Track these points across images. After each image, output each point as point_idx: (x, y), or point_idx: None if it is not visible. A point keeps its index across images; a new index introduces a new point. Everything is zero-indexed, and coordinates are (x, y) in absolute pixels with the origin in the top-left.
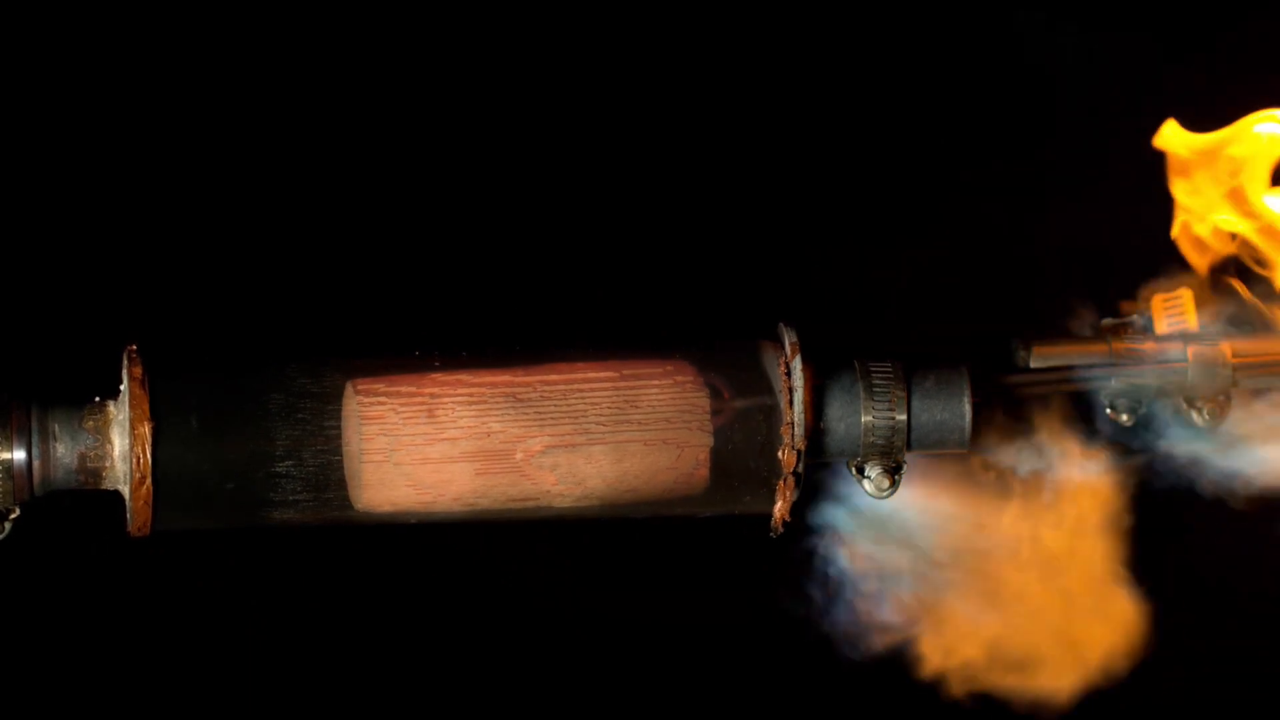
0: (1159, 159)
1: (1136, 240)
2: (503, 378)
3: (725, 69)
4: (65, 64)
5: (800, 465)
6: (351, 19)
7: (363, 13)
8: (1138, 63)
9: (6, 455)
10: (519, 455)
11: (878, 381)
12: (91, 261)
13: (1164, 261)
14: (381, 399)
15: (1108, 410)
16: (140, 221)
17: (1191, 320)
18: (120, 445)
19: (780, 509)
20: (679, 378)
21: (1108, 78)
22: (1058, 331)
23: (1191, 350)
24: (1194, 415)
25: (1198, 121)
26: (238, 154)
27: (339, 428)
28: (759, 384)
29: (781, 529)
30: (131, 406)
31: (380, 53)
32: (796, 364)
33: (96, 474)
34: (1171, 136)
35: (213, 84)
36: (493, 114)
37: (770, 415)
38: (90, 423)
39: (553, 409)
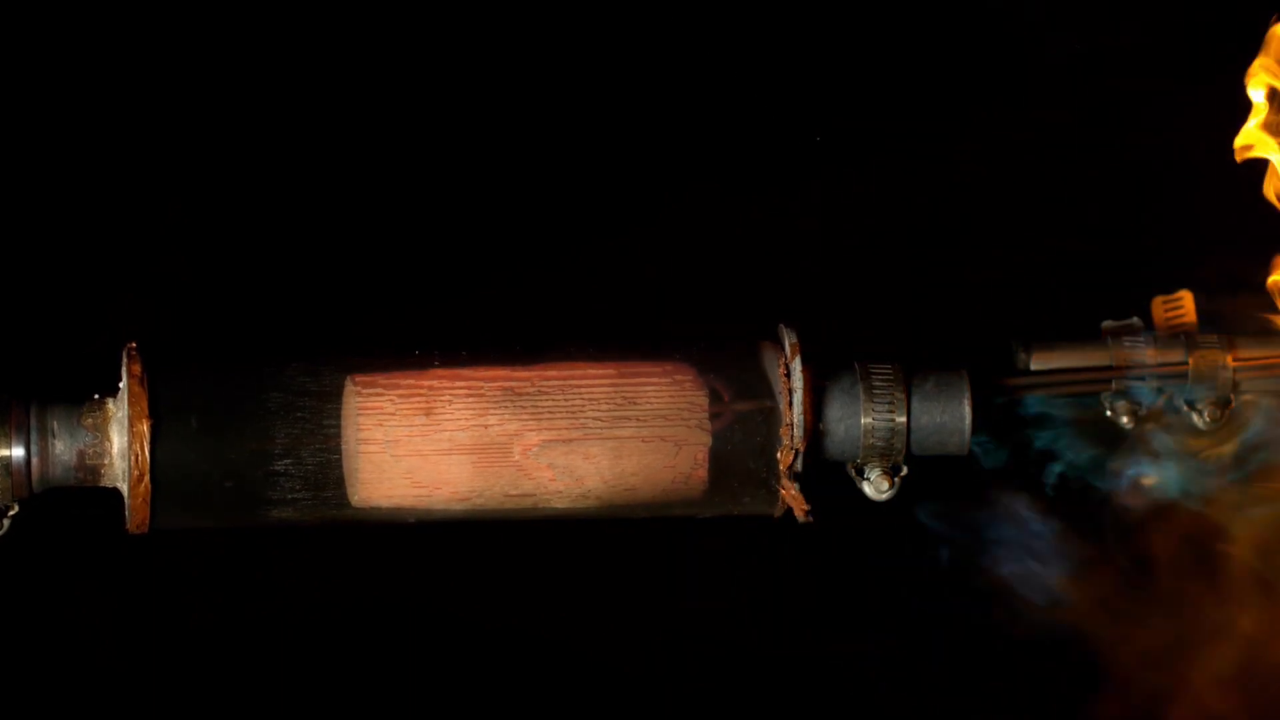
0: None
1: (1137, 242)
2: (500, 373)
3: (725, 68)
4: (65, 64)
5: (799, 466)
6: (349, 18)
7: (360, 12)
8: (1141, 67)
9: (5, 452)
10: (516, 450)
11: (878, 383)
12: (91, 261)
13: (1163, 263)
14: (379, 390)
15: (1107, 413)
16: (140, 221)
17: (1192, 322)
18: (119, 443)
19: (780, 510)
20: (678, 376)
21: (1109, 82)
22: (1058, 334)
23: (1193, 354)
24: (1195, 419)
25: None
26: (238, 153)
27: (338, 426)
28: (759, 385)
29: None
30: (130, 404)
31: (379, 52)
32: (796, 365)
33: (95, 471)
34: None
35: (213, 84)
36: (493, 113)
37: (769, 416)
38: (89, 420)
39: (550, 404)
